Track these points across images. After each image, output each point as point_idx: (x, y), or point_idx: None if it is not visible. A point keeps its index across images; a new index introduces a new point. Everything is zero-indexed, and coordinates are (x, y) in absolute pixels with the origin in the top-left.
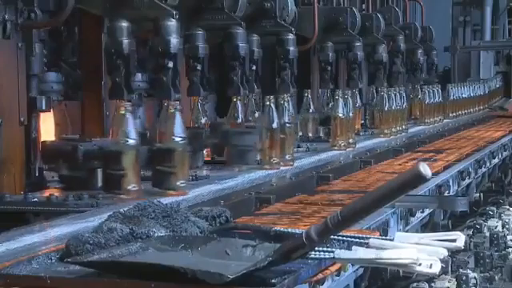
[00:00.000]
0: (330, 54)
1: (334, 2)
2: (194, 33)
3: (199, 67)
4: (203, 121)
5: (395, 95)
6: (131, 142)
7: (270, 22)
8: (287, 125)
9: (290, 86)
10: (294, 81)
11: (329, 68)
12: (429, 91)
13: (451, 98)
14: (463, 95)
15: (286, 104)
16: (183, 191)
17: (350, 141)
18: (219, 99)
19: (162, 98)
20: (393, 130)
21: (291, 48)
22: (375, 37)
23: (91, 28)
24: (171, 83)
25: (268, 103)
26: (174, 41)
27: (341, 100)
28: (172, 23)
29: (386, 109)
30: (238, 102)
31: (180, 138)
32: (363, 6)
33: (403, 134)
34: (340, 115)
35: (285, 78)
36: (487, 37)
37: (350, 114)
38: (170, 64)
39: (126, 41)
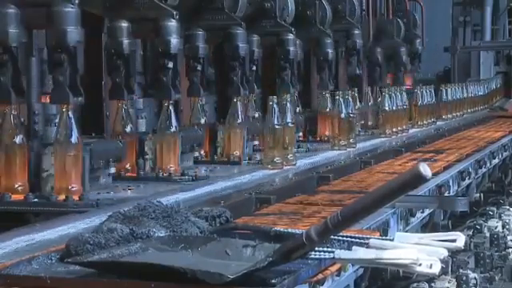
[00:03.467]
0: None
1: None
2: (194, 33)
3: (199, 67)
4: (202, 121)
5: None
6: (291, 124)
7: (270, 22)
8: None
9: (290, 85)
10: (294, 81)
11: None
12: (450, 89)
13: (470, 95)
14: (479, 93)
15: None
16: (293, 163)
17: (394, 129)
18: (219, 99)
19: (161, 98)
20: (424, 122)
21: (291, 48)
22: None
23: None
24: (171, 83)
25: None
26: (174, 41)
27: (387, 96)
28: (172, 23)
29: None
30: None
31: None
32: (363, 6)
33: (432, 125)
34: (386, 109)
35: (285, 78)
36: (487, 37)
37: (393, 108)
38: (170, 64)
39: (126, 41)
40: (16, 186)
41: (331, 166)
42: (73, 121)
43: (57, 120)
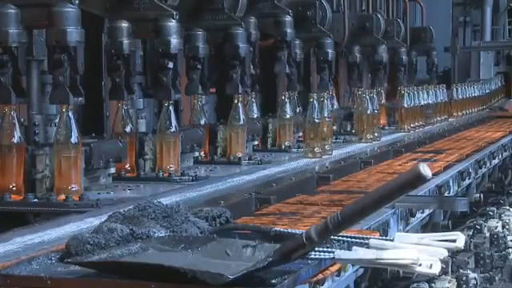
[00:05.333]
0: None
1: (334, 4)
2: (194, 33)
3: (199, 66)
4: (202, 121)
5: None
6: (328, 118)
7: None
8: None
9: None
10: (299, 80)
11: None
12: (461, 88)
13: (479, 93)
14: (487, 91)
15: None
16: (329, 153)
17: (411, 125)
18: (219, 99)
19: (162, 98)
20: (438, 118)
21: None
22: (375, 37)
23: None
24: (171, 83)
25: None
26: (174, 41)
27: (406, 94)
28: (172, 23)
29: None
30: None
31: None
32: (363, 6)
33: (444, 122)
34: (405, 106)
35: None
36: (487, 37)
37: (412, 105)
38: (170, 64)
39: (126, 41)
40: (11, 186)
41: (365, 155)
42: (73, 121)
43: (57, 120)
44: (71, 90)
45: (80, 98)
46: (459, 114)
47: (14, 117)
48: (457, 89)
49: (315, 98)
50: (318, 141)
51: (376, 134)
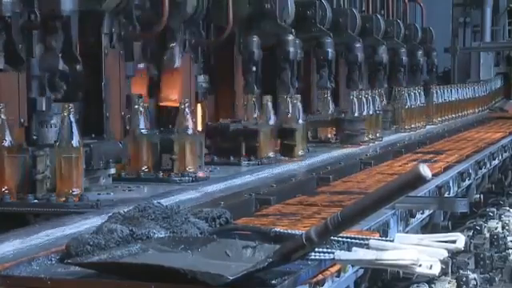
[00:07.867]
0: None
1: (333, 3)
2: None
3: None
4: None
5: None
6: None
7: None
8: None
9: (290, 87)
10: (293, 81)
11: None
12: (472, 88)
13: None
14: (487, 92)
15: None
16: (379, 140)
17: (439, 119)
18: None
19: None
20: (444, 117)
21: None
22: (375, 38)
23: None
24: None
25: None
26: None
27: (435, 92)
28: None
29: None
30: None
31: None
32: (363, 6)
33: (456, 120)
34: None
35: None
36: (487, 38)
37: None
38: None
39: None
40: (10, 187)
41: (403, 142)
42: (74, 124)
43: (53, 121)
44: (67, 58)
45: (78, 66)
46: (464, 112)
47: (13, 117)
48: (472, 88)
49: (363, 94)
50: (372, 129)
51: (413, 126)
